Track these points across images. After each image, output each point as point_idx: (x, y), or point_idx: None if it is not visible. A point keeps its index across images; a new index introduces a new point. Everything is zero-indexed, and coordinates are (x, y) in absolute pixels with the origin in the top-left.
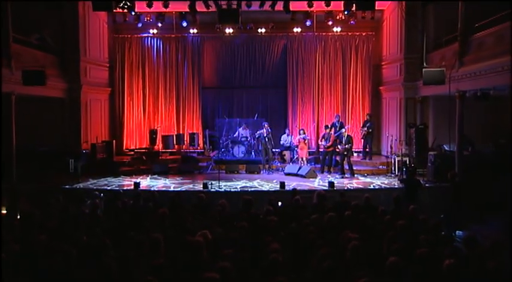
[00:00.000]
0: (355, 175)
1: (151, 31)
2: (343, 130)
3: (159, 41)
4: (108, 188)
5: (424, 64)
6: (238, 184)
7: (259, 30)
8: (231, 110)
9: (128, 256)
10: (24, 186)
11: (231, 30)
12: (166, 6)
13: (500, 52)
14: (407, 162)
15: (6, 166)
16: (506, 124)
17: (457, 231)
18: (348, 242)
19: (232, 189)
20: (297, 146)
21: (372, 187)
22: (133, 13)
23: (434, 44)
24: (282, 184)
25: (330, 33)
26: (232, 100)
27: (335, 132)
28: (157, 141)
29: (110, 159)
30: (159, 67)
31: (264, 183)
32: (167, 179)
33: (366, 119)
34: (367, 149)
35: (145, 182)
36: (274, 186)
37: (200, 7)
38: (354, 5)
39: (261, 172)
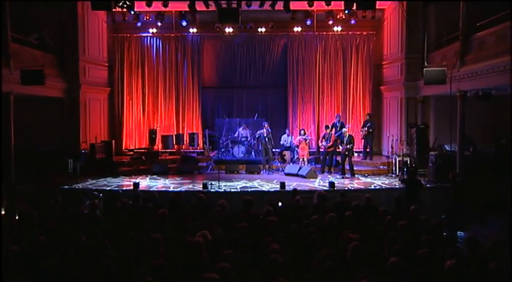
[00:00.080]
0: (356, 175)
1: (150, 30)
2: (344, 130)
3: (158, 40)
4: (107, 188)
5: (425, 64)
6: (238, 184)
7: (259, 30)
8: (231, 109)
9: (128, 256)
10: (22, 186)
11: (231, 30)
12: (165, 5)
13: (502, 52)
14: (408, 162)
15: (4, 166)
16: (508, 124)
17: (458, 232)
18: (349, 243)
19: (232, 190)
20: (297, 146)
21: (372, 187)
22: (132, 12)
23: (436, 44)
24: (282, 184)
25: (330, 33)
26: (232, 100)
27: (336, 132)
28: (156, 141)
29: (109, 159)
30: (159, 67)
31: (264, 183)
32: (167, 179)
33: (366, 119)
34: (367, 149)
35: (145, 182)
36: (274, 186)
37: (200, 6)
38: (355, 4)
39: (261, 172)
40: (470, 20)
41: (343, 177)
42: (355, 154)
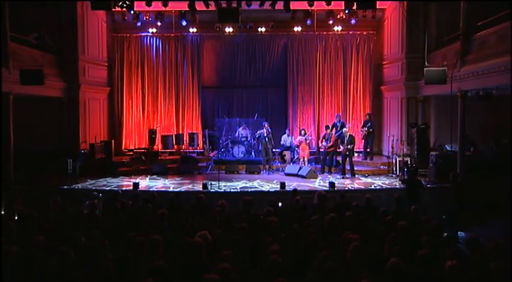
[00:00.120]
0: (356, 175)
1: (150, 30)
2: (345, 130)
3: (158, 40)
4: (107, 188)
5: (426, 63)
6: (238, 184)
7: (259, 29)
8: (230, 109)
9: (127, 257)
10: (21, 186)
11: (230, 29)
12: (165, 5)
13: (503, 51)
14: (409, 162)
15: (3, 166)
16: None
17: (458, 232)
18: (349, 243)
19: (232, 190)
20: (297, 147)
21: (373, 187)
22: (132, 12)
23: (436, 43)
24: (283, 184)
25: (330, 32)
26: (232, 100)
27: (336, 132)
28: (156, 141)
29: (108, 160)
30: (159, 66)
31: (264, 183)
32: (166, 180)
33: (365, 118)
34: (367, 149)
35: (145, 183)
36: (274, 186)
37: (200, 6)
38: (355, 3)
39: (261, 172)
40: (471, 20)
41: (343, 178)
42: (355, 154)
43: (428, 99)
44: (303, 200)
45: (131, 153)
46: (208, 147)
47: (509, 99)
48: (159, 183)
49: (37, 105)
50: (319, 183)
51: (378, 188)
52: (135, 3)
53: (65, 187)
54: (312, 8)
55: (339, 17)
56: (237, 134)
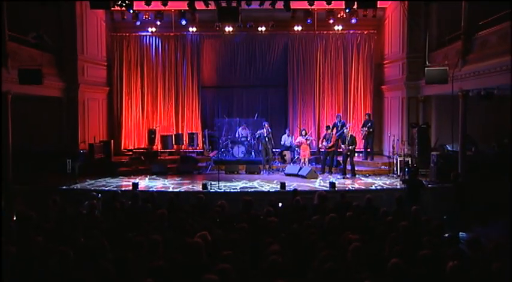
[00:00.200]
0: (357, 175)
1: (149, 29)
2: (346, 130)
3: (157, 39)
4: (106, 188)
5: (427, 63)
6: (238, 185)
7: (259, 29)
8: (230, 109)
9: (126, 258)
10: (20, 186)
11: (230, 29)
12: (165, 4)
13: (504, 51)
14: (410, 162)
15: (2, 166)
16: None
17: (460, 233)
18: (349, 244)
19: (232, 190)
20: (298, 147)
21: (373, 188)
22: (131, 11)
23: (437, 43)
24: (283, 185)
25: (331, 32)
26: (232, 99)
27: (337, 132)
28: (156, 141)
29: (108, 160)
30: (158, 66)
31: (264, 183)
32: (166, 180)
33: (365, 118)
34: (368, 149)
35: (144, 183)
36: (274, 186)
37: (199, 5)
38: (355, 3)
39: (261, 172)
40: (472, 19)
41: (344, 178)
42: (356, 154)
43: (429, 99)
44: (303, 200)
45: (130, 153)
46: (208, 147)
47: (510, 99)
48: (158, 184)
49: (36, 105)
50: (320, 183)
51: (378, 188)
52: (135, 2)
53: (64, 187)
54: (312, 7)
55: (339, 16)
56: (237, 134)
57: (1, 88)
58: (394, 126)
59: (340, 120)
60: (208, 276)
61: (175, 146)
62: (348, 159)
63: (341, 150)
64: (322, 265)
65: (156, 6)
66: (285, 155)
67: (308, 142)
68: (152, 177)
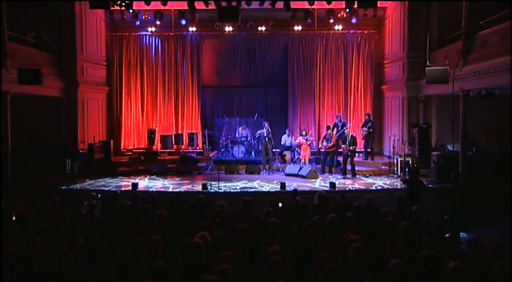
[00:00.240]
0: (357, 176)
1: (149, 29)
2: (346, 131)
3: (157, 39)
4: (106, 188)
5: (427, 63)
6: (238, 185)
7: (260, 29)
8: (230, 109)
9: (126, 258)
10: (19, 186)
11: (230, 29)
12: (164, 4)
13: (504, 51)
14: (410, 162)
15: (1, 166)
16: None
17: (460, 233)
18: (350, 244)
19: (232, 190)
20: (299, 147)
21: (374, 188)
22: (131, 11)
23: (438, 43)
24: (283, 185)
25: (331, 31)
26: (232, 99)
27: (337, 132)
28: (155, 141)
29: (107, 160)
30: (158, 66)
31: (264, 183)
32: (166, 180)
33: (365, 119)
34: (368, 149)
35: (144, 183)
36: (274, 187)
37: (199, 5)
38: (356, 2)
39: (261, 173)
40: (473, 19)
41: (344, 178)
42: (356, 154)
43: (430, 98)
44: (303, 200)
45: (130, 153)
46: (208, 147)
47: (510, 99)
48: (158, 184)
49: (35, 105)
50: (320, 183)
51: (379, 188)
52: (134, 2)
53: (64, 187)
54: (313, 6)
55: (339, 15)
56: (237, 134)
57: (1, 88)
58: (394, 126)
59: (341, 120)
60: (208, 276)
61: (175, 146)
62: (348, 159)
63: (341, 150)
64: (323, 265)
65: (156, 5)
66: (285, 155)
67: (308, 142)
68: (152, 177)
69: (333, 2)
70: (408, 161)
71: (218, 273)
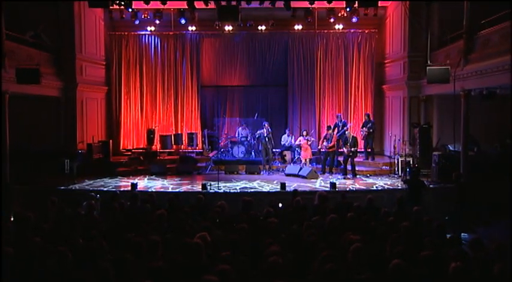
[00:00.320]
0: (358, 176)
1: (148, 28)
2: (347, 132)
3: (156, 38)
4: (105, 189)
5: (428, 62)
6: (237, 185)
7: (260, 28)
8: (230, 109)
9: (125, 258)
10: (18, 187)
11: (230, 28)
12: (164, 3)
13: (506, 50)
14: (411, 162)
15: (0, 166)
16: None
17: (462, 234)
18: (350, 244)
19: (231, 190)
20: (299, 148)
21: (374, 188)
22: (130, 10)
23: (439, 42)
24: (283, 185)
25: (331, 31)
26: (231, 99)
27: (338, 133)
28: (155, 141)
29: (106, 160)
30: (157, 65)
31: (264, 184)
32: (165, 180)
33: (365, 119)
34: (368, 150)
35: (143, 183)
36: (274, 187)
37: (199, 4)
38: (356, 1)
39: (261, 173)
40: (475, 18)
41: (344, 178)
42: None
43: (431, 98)
44: (303, 200)
45: (129, 153)
46: (208, 147)
47: (510, 99)
48: (157, 184)
49: (34, 104)
50: (320, 183)
51: (379, 188)
52: (133, 1)
53: (62, 188)
54: (313, 6)
55: (340, 15)
56: (236, 134)
57: (1, 87)
58: (395, 126)
59: (341, 120)
60: (208, 277)
61: (174, 146)
62: (349, 159)
63: (342, 150)
64: (323, 266)
65: (155, 5)
66: (285, 155)
67: (309, 143)
68: (151, 177)
69: (334, 1)
70: (409, 161)
71: (218, 274)
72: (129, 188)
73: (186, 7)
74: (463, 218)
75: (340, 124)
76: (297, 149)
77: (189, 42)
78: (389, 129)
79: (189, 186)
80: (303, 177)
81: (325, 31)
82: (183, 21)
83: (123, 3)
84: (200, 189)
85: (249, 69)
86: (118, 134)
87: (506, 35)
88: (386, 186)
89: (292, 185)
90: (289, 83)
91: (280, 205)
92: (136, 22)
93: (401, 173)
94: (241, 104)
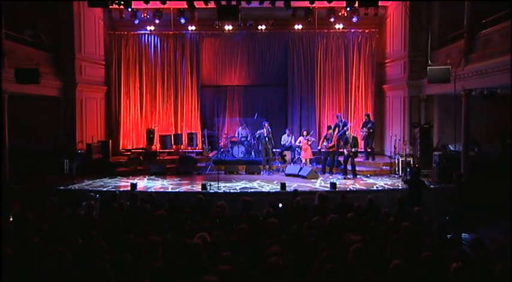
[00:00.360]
0: (358, 176)
1: (148, 28)
2: (348, 132)
3: (156, 38)
4: (104, 189)
5: (429, 62)
6: (237, 185)
7: (259, 27)
8: (230, 109)
9: (125, 259)
10: (17, 186)
11: (230, 27)
12: (163, 2)
13: (507, 50)
14: (412, 162)
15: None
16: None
17: (462, 234)
18: (350, 245)
19: (231, 191)
20: (300, 148)
21: (375, 188)
22: (129, 9)
23: (440, 42)
24: (283, 185)
25: (332, 30)
26: (231, 99)
27: (338, 133)
28: (154, 141)
29: (106, 160)
30: (157, 65)
31: (264, 184)
32: (165, 180)
33: (365, 119)
34: (368, 150)
35: (143, 183)
36: (274, 187)
37: (199, 3)
38: (357, 1)
39: (261, 173)
40: (475, 18)
41: (344, 178)
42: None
43: (432, 98)
44: (303, 200)
45: (129, 153)
46: (208, 147)
47: (510, 99)
48: (157, 184)
49: (33, 104)
50: (320, 183)
51: (380, 188)
52: (133, 0)
53: (62, 188)
54: (313, 5)
55: (340, 14)
56: (236, 133)
57: (1, 87)
58: (395, 126)
59: (341, 120)
60: (207, 277)
61: (174, 146)
62: (349, 159)
63: (342, 150)
64: (323, 266)
65: (155, 4)
66: (285, 155)
67: (309, 143)
68: (151, 177)
69: (334, 0)
70: (409, 161)
71: (218, 274)
72: (129, 188)
73: (186, 7)
74: (464, 218)
75: (340, 124)
76: (297, 149)
77: (188, 41)
78: (390, 129)
79: (188, 187)
80: (303, 177)
81: (326, 31)
82: (182, 21)
83: (122, 2)
84: (200, 190)
85: (249, 69)
86: (117, 134)
87: (506, 34)
88: (386, 187)
89: (292, 185)
90: (289, 82)
91: (280, 205)
92: (136, 22)
93: (401, 173)
94: (241, 104)
